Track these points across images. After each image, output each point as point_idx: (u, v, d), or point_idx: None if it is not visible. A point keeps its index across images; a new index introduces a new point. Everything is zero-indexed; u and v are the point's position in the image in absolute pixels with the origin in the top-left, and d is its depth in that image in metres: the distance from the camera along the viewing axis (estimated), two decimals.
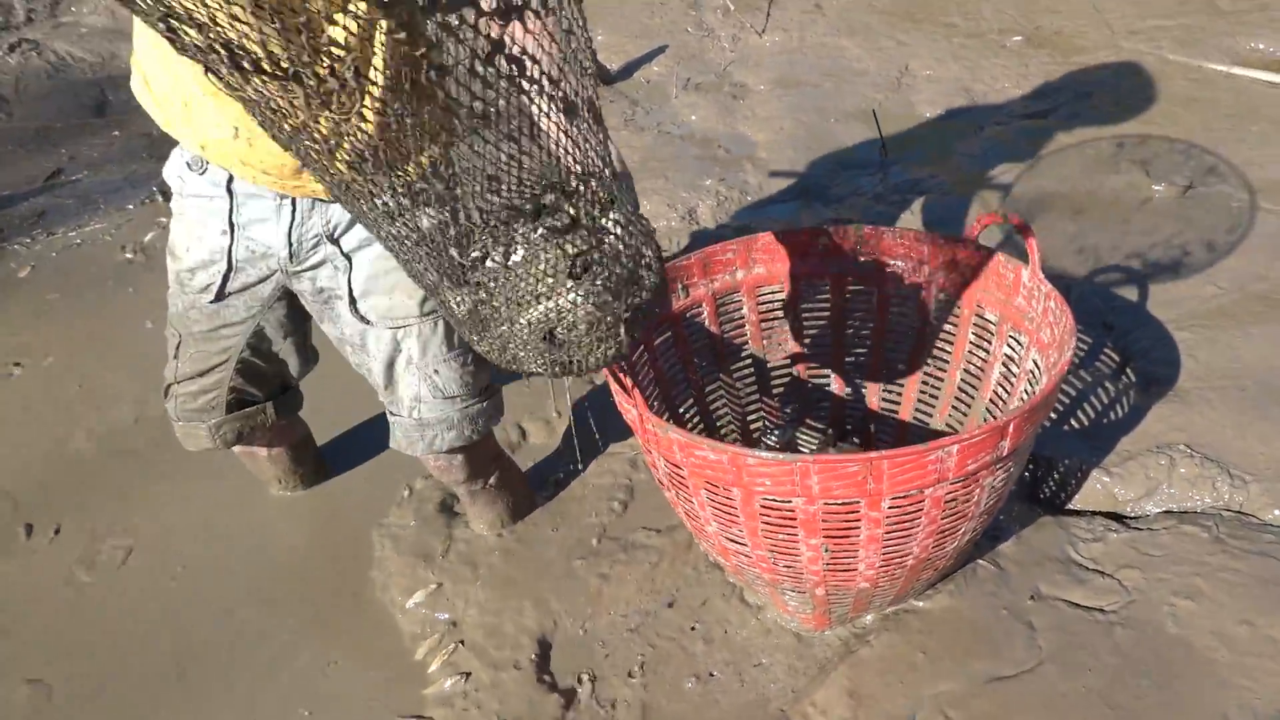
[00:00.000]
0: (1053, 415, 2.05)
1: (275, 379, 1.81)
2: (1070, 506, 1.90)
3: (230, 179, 1.48)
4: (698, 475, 1.42)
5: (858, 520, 1.37)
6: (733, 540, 1.50)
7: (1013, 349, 1.74)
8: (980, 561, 1.72)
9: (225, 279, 1.57)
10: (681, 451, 1.40)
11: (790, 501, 1.36)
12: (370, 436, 2.26)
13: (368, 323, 1.57)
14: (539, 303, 1.06)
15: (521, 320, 1.07)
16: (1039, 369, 1.64)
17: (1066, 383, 2.11)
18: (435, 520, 2.01)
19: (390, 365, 1.62)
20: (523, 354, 1.10)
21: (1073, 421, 2.03)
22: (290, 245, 1.51)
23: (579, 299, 1.05)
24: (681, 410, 1.90)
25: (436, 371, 1.63)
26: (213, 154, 1.41)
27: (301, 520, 2.09)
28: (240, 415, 1.77)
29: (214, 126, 1.35)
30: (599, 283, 1.05)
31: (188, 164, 1.51)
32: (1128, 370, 2.14)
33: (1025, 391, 1.69)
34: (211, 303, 1.60)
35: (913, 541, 1.43)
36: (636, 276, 1.08)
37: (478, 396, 1.70)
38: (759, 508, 1.40)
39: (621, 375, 1.48)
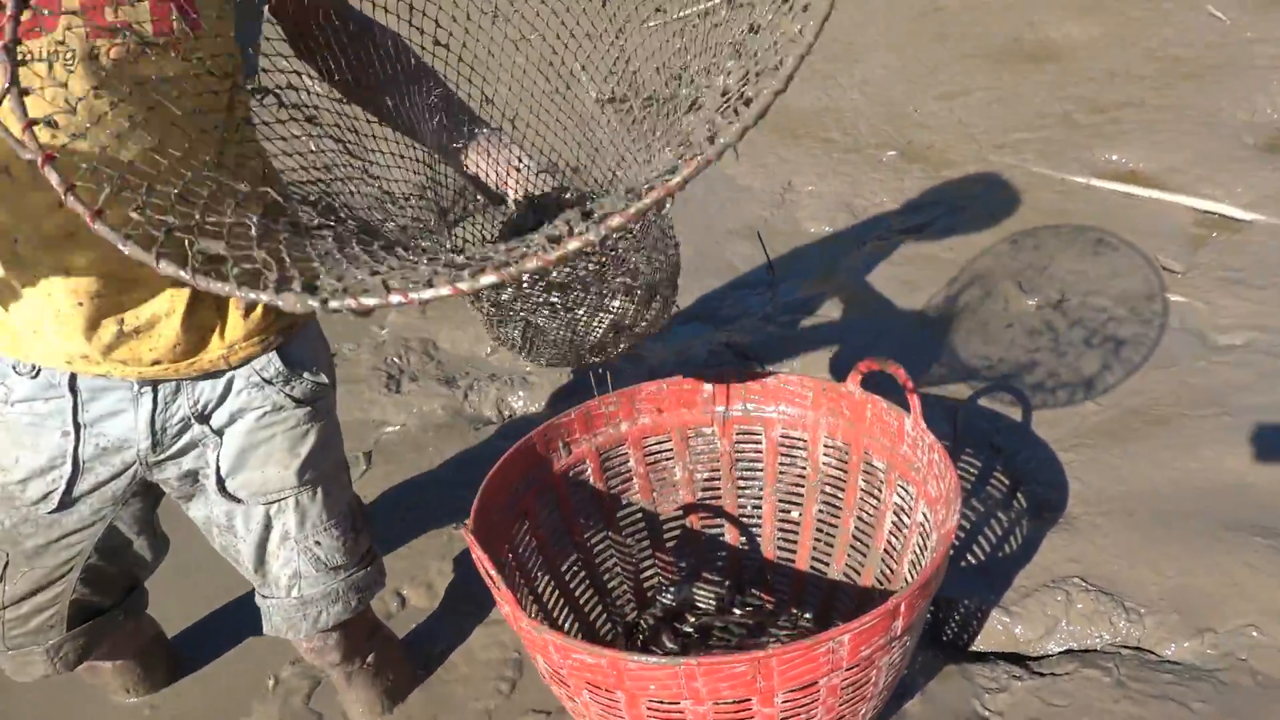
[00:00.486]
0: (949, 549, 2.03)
1: (124, 580, 1.65)
2: (973, 649, 1.86)
3: (73, 376, 1.36)
4: (578, 677, 1.33)
5: (751, 717, 1.30)
6: None
7: (902, 498, 1.71)
8: None
9: (70, 483, 1.42)
10: (558, 654, 1.31)
11: (679, 704, 1.28)
12: (229, 622, 2.10)
13: (238, 501, 1.46)
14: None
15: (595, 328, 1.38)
16: (929, 523, 1.61)
17: (964, 514, 2.10)
18: (304, 716, 1.85)
19: (262, 544, 1.50)
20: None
21: (968, 555, 2.01)
22: (154, 434, 1.38)
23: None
24: (567, 575, 1.81)
25: (318, 543, 1.52)
26: (80, 365, 1.30)
27: None
28: (85, 630, 1.60)
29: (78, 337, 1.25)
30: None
31: (13, 368, 1.38)
32: (1018, 496, 2.14)
33: (917, 545, 1.66)
34: (52, 512, 1.44)
35: None
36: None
37: (360, 563, 1.60)
38: (645, 711, 1.31)
39: (489, 565, 1.38)
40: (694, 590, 1.94)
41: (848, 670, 1.29)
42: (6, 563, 1.48)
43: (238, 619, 2.10)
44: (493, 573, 1.39)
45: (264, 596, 1.56)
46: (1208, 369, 2.42)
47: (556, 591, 1.78)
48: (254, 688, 1.93)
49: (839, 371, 2.65)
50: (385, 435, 2.74)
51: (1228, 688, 1.64)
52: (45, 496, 1.42)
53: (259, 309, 1.37)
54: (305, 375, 1.44)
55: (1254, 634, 1.71)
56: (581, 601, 1.84)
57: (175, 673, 1.98)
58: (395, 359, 3.06)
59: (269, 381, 1.41)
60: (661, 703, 1.29)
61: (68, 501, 1.43)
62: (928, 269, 3.09)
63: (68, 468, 1.39)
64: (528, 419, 2.75)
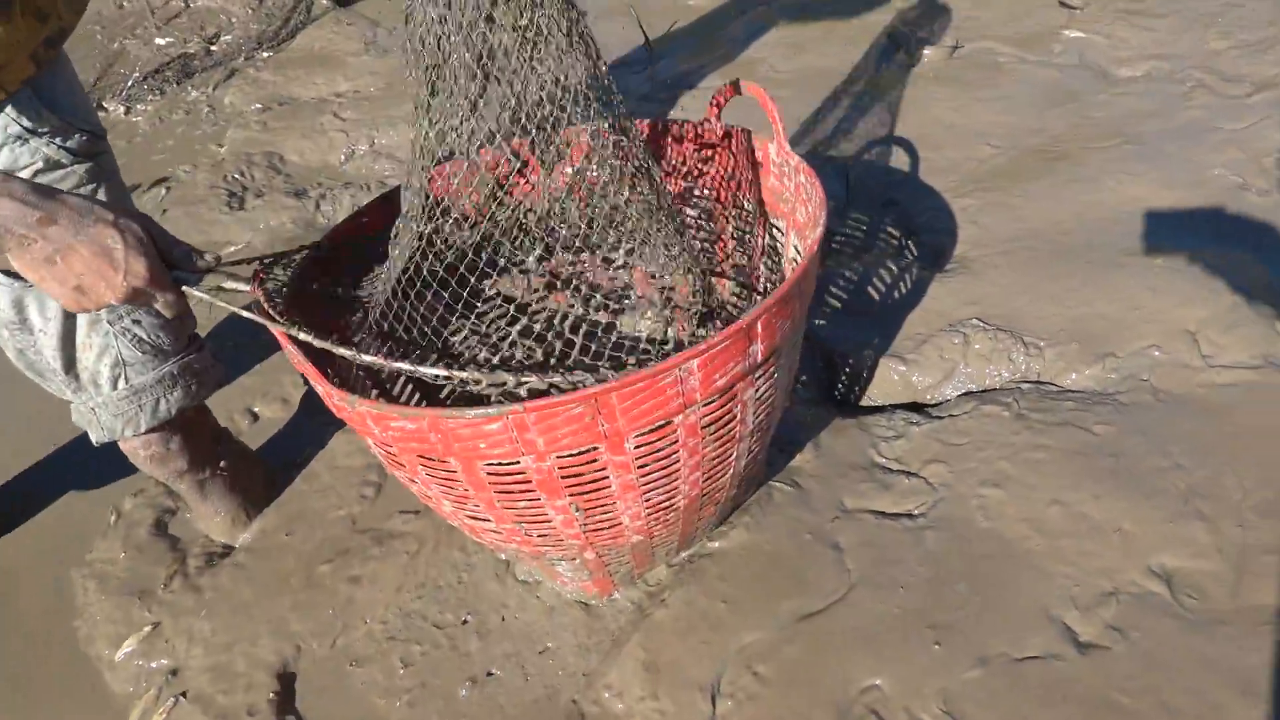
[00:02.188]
0: (838, 303, 1.88)
1: None
2: (869, 403, 1.74)
3: None
4: (406, 450, 1.14)
5: (603, 469, 1.13)
6: (474, 517, 1.24)
7: (775, 237, 1.53)
8: (775, 483, 1.53)
9: None
10: (378, 426, 1.11)
11: (519, 462, 1.10)
12: (58, 464, 1.87)
13: (26, 281, 1.21)
14: None
15: None
16: (800, 253, 1.43)
17: (855, 268, 1.94)
18: (150, 546, 1.65)
19: (69, 335, 1.29)
20: None
21: (862, 310, 1.86)
22: None
23: None
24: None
25: (136, 321, 1.32)
26: None
27: None
28: None
29: None
30: None
31: None
32: (913, 245, 1.98)
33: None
34: None
35: (677, 480, 1.20)
36: None
37: (190, 345, 1.42)
38: (485, 476, 1.13)
39: (285, 332, 1.15)
40: None
41: (705, 406, 1.12)
42: None
43: (68, 460, 1.87)
44: (296, 338, 1.16)
45: (82, 402, 1.34)
46: (1108, 101, 2.25)
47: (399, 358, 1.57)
48: (95, 525, 1.71)
49: None
50: (228, 255, 2.44)
51: (1129, 408, 1.54)
52: None
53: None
54: (73, 122, 1.23)
55: (1155, 354, 1.61)
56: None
57: (4, 525, 1.76)
58: (237, 175, 2.72)
59: (34, 132, 1.19)
60: (500, 464, 1.11)
61: None
62: (815, 30, 2.83)
63: None
64: None
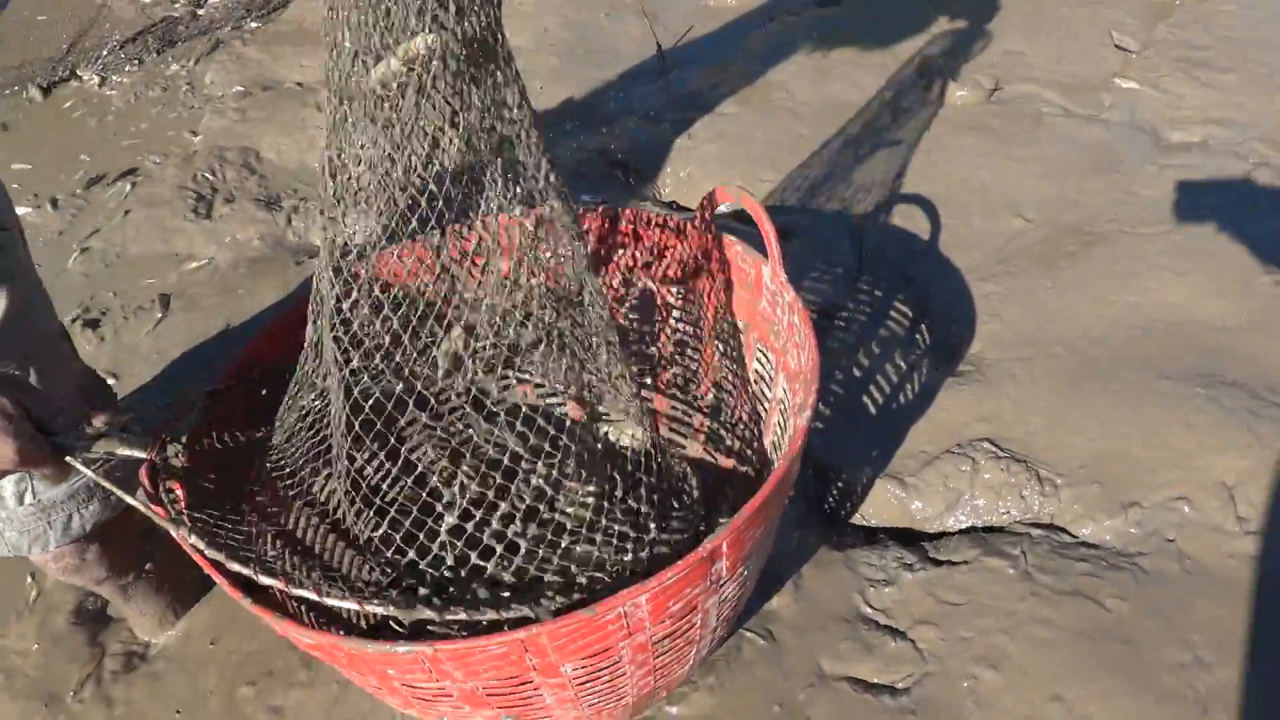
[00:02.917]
0: (836, 400, 1.70)
1: None
2: (861, 522, 1.58)
3: None
4: (318, 653, 0.99)
5: (535, 689, 0.98)
6: (398, 706, 1.09)
7: (762, 365, 1.35)
8: (750, 632, 1.38)
9: None
10: (281, 632, 0.96)
11: (440, 683, 0.95)
12: None
13: None
14: None
15: None
16: (787, 402, 1.26)
17: (861, 360, 1.76)
18: (68, 637, 1.52)
19: None
20: None
21: (861, 413, 1.69)
22: None
23: None
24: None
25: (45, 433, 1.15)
26: None
27: None
28: None
29: None
30: None
31: None
32: (928, 336, 1.80)
33: (779, 425, 1.31)
34: None
35: (625, 688, 1.05)
36: None
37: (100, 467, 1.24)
38: (401, 688, 0.98)
39: (195, 544, 0.98)
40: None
41: (657, 626, 0.96)
42: None
43: None
44: (184, 535, 0.99)
45: None
46: (1157, 175, 2.04)
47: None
48: (10, 602, 1.58)
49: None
50: (188, 273, 2.27)
51: (1149, 577, 1.37)
52: None
53: None
54: None
55: (1185, 509, 1.44)
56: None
57: None
58: (208, 175, 2.53)
59: None
60: (416, 684, 0.96)
61: None
62: (844, 51, 2.59)
63: None
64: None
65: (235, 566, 0.91)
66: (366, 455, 1.03)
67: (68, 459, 0.97)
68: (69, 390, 1.21)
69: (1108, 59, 2.39)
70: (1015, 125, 2.23)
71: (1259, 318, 1.69)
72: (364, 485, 1.03)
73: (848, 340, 1.80)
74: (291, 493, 1.11)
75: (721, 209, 1.45)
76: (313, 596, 0.90)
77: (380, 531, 1.00)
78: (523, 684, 0.96)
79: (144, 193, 2.51)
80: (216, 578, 0.95)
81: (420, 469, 1.06)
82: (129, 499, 0.99)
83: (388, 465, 1.03)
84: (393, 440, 1.01)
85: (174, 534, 0.95)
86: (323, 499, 1.13)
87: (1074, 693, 1.26)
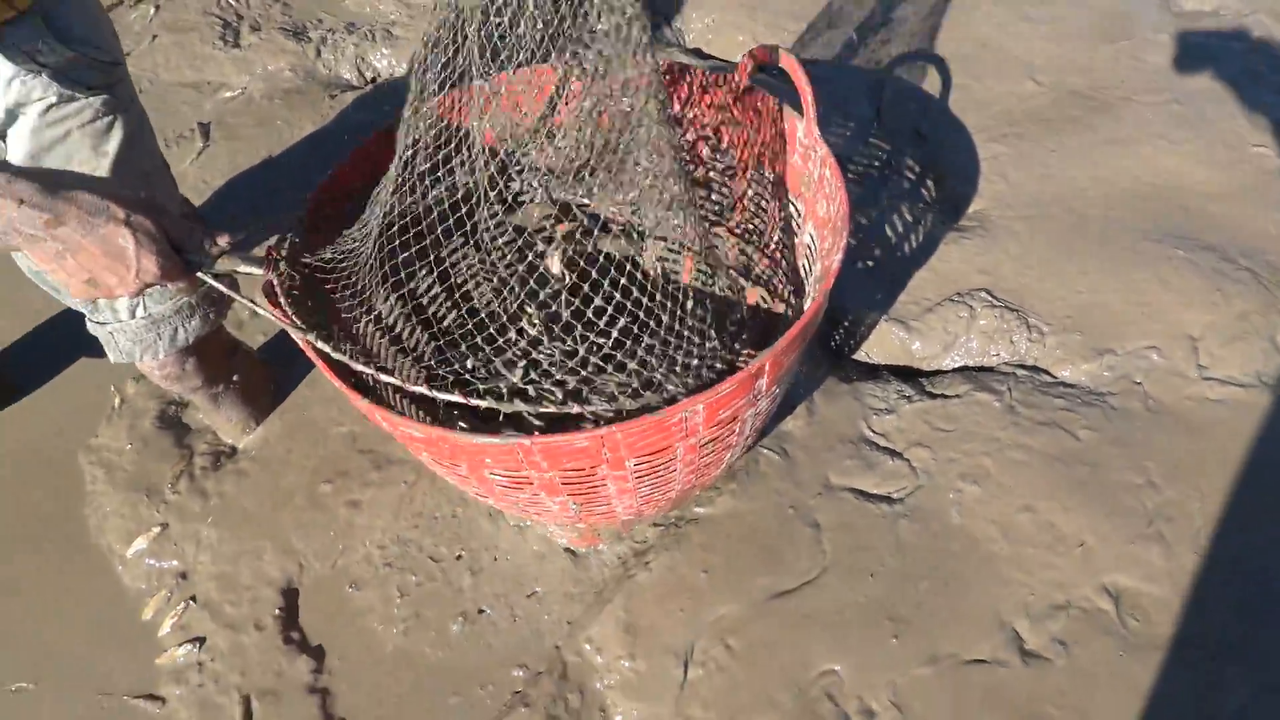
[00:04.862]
0: (852, 242, 1.86)
1: None
2: (864, 359, 1.76)
3: None
4: (415, 447, 1.17)
5: (602, 480, 1.17)
6: (475, 494, 1.29)
7: (792, 215, 1.49)
8: (766, 449, 1.58)
9: None
10: (388, 426, 1.13)
11: (522, 472, 1.14)
12: (53, 339, 1.89)
13: None
14: None
15: None
16: (814, 246, 1.41)
17: (870, 212, 1.90)
18: (155, 438, 1.71)
19: None
20: None
21: (876, 258, 1.84)
22: None
23: None
24: (425, 298, 1.60)
25: None
26: None
27: None
28: None
29: None
30: None
31: None
32: (936, 192, 1.93)
33: (803, 267, 1.47)
34: None
35: (672, 481, 1.25)
36: None
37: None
38: (488, 475, 1.17)
39: (301, 338, 1.14)
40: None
41: (707, 431, 1.15)
42: None
43: (65, 336, 1.88)
44: (310, 339, 1.15)
45: (100, 323, 1.34)
46: (1166, 43, 2.12)
47: (408, 320, 1.57)
48: (97, 407, 1.75)
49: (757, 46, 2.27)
50: (225, 102, 2.33)
51: (1117, 413, 1.58)
52: None
53: None
54: (88, 53, 1.17)
55: (1154, 356, 1.63)
56: (444, 325, 1.65)
57: (9, 395, 1.79)
58: (232, 2, 2.55)
59: (47, 67, 1.14)
60: (503, 472, 1.15)
61: None
62: None
63: None
64: (393, 84, 2.36)
65: (358, 367, 1.07)
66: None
67: (199, 274, 1.10)
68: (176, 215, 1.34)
69: None
70: None
71: (1243, 186, 1.84)
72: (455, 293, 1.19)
73: (860, 192, 1.93)
74: (380, 300, 1.24)
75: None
76: (423, 391, 1.06)
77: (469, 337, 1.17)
78: (593, 475, 1.15)
79: (169, 18, 2.53)
80: (334, 379, 1.12)
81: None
82: (260, 308, 1.12)
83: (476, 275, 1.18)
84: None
85: (300, 339, 1.10)
86: (399, 308, 1.28)
87: (1043, 505, 1.48)
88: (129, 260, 0.99)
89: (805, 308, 1.22)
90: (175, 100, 2.34)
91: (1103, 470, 1.51)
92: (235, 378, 1.61)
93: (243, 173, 2.16)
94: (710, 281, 1.36)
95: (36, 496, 1.67)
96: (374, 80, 2.41)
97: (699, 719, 1.34)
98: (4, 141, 1.20)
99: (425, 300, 1.37)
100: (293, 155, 2.19)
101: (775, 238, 1.54)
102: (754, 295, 1.62)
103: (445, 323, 1.37)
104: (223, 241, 1.11)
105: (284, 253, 1.22)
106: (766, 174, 1.51)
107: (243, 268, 1.15)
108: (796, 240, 1.49)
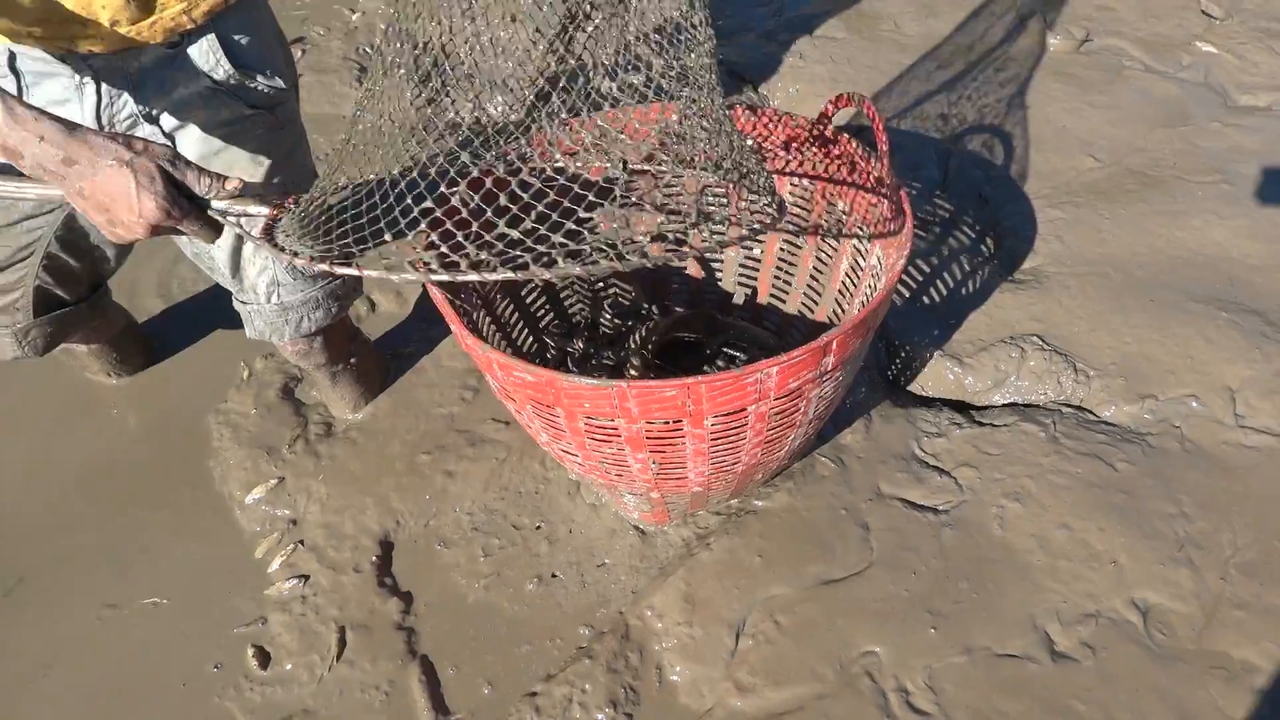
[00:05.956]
0: (908, 293, 2.02)
1: (87, 277, 1.63)
2: (920, 392, 1.91)
3: (12, 56, 1.24)
4: (521, 393, 1.35)
5: (681, 436, 1.34)
6: (565, 451, 1.46)
7: (859, 242, 1.67)
8: (822, 456, 1.73)
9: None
10: (501, 370, 1.32)
11: (613, 421, 1.31)
12: (196, 312, 2.12)
13: None
14: None
15: None
16: (880, 266, 1.58)
17: (932, 260, 2.07)
18: (277, 407, 1.91)
19: (236, 252, 1.47)
20: None
21: (934, 300, 2.00)
22: (101, 129, 1.27)
23: None
24: (525, 292, 1.80)
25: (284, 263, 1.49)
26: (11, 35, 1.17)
27: (133, 409, 1.97)
28: (50, 319, 1.60)
29: None
30: None
31: None
32: (995, 248, 2.10)
33: (869, 287, 1.64)
34: None
35: (740, 451, 1.41)
36: None
37: (331, 282, 1.59)
38: (583, 425, 1.34)
39: (436, 289, 1.36)
40: (649, 311, 1.94)
41: (776, 399, 1.31)
42: None
43: (212, 309, 2.12)
44: (438, 292, 1.37)
45: (243, 303, 1.55)
46: (1219, 131, 2.29)
47: (515, 313, 1.78)
48: (228, 377, 1.98)
49: None
50: (358, 134, 2.62)
51: (1155, 451, 1.69)
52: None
53: None
54: (259, 78, 1.33)
55: (1193, 404, 1.75)
56: (542, 324, 1.85)
57: (151, 358, 2.03)
58: (368, 49, 2.87)
59: (218, 85, 1.30)
60: (597, 419, 1.32)
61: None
62: None
63: None
64: (504, 128, 2.62)
65: (408, 276, 1.21)
66: None
67: (209, 212, 1.13)
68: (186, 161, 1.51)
69: (1192, 22, 2.61)
70: (1098, 75, 2.48)
71: None
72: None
73: (923, 242, 2.11)
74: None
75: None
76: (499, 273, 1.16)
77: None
78: (675, 431, 1.32)
79: (314, 60, 2.85)
80: (455, 321, 1.31)
81: None
82: (260, 242, 1.12)
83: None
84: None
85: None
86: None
87: (1079, 524, 1.59)
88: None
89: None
90: (313, 129, 2.63)
91: (1138, 499, 1.62)
92: (353, 360, 1.82)
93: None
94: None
95: (169, 448, 1.88)
96: (484, 122, 2.68)
97: (747, 683, 1.46)
98: (166, 137, 1.32)
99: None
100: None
101: (845, 261, 1.72)
102: (823, 313, 1.79)
103: None
104: (230, 185, 1.14)
105: (296, 201, 1.33)
106: (839, 206, 1.70)
107: (251, 209, 1.16)
108: (864, 263, 1.66)
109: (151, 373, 2.02)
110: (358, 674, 1.52)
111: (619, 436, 1.35)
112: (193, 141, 1.33)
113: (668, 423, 1.31)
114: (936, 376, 1.90)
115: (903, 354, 1.94)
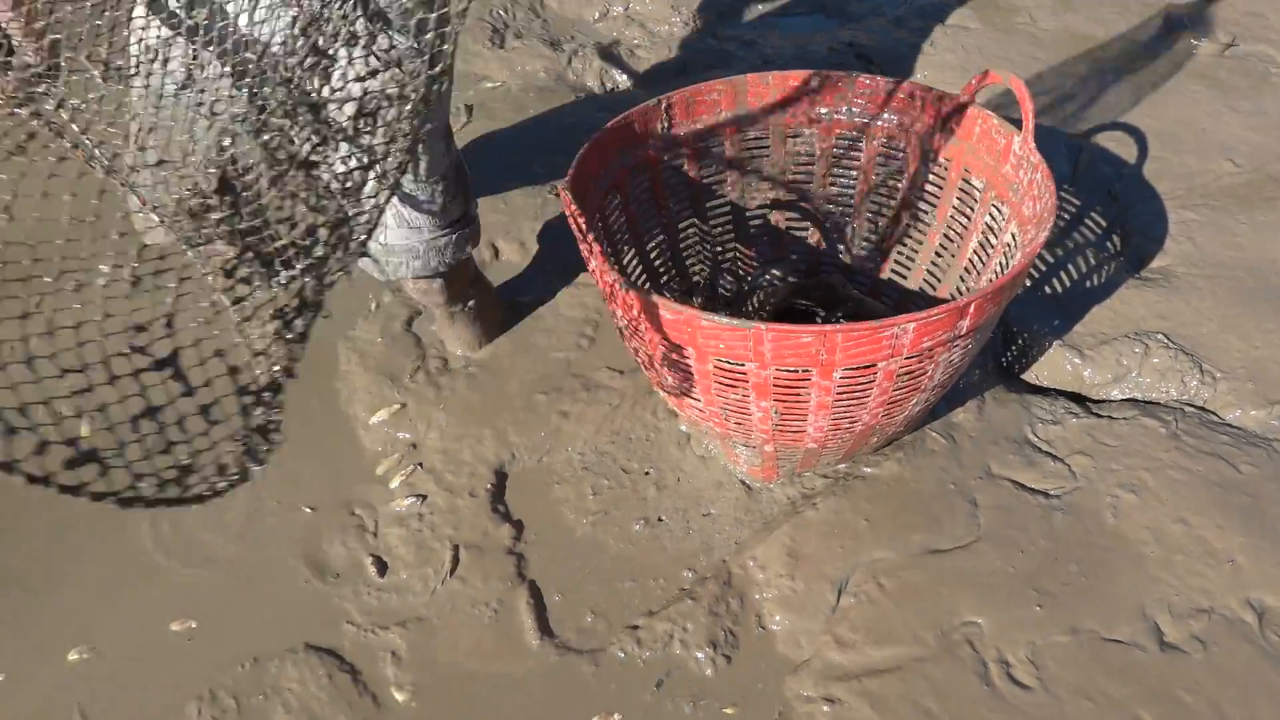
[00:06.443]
0: (1029, 282, 2.00)
1: None
2: (1035, 381, 1.89)
3: None
4: (654, 332, 1.39)
5: (808, 387, 1.36)
6: (687, 395, 1.50)
7: (994, 218, 1.67)
8: (933, 431, 1.73)
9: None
10: (640, 307, 1.37)
11: (743, 365, 1.34)
12: None
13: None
14: None
15: None
16: (1015, 243, 1.58)
17: (1056, 252, 2.05)
18: (402, 338, 2.00)
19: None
20: None
21: (1056, 292, 1.98)
22: None
23: None
24: (651, 253, 1.84)
25: (401, 203, 1.57)
26: None
27: None
28: None
29: None
30: None
31: None
32: (1122, 246, 2.07)
33: (999, 265, 1.64)
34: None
35: (863, 410, 1.42)
36: None
37: (448, 229, 1.66)
38: (712, 368, 1.38)
39: (581, 221, 1.42)
40: (770, 278, 1.96)
41: (907, 359, 1.32)
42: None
43: None
44: (584, 227, 1.43)
45: (379, 243, 1.64)
46: None
47: (640, 266, 1.83)
48: (358, 305, 2.07)
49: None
50: (486, 91, 2.70)
51: None
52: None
53: None
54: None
55: None
56: (663, 281, 1.89)
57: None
58: (501, 11, 2.95)
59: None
60: (728, 362, 1.35)
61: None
62: None
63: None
64: (630, 95, 2.67)
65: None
66: None
67: None
68: (440, 172, 1.59)
69: None
70: (1242, 80, 2.41)
71: None
72: None
73: (1048, 236, 2.08)
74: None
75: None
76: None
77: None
78: (803, 380, 1.34)
79: None
80: (599, 257, 1.36)
81: None
82: None
83: None
84: None
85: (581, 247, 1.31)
86: None
87: (1197, 520, 1.57)
88: None
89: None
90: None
91: (1262, 502, 1.59)
92: (471, 303, 1.89)
93: (494, 145, 2.50)
94: None
95: (300, 369, 1.97)
96: (613, 90, 2.73)
97: (846, 638, 1.48)
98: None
99: None
100: (539, 137, 2.51)
101: (974, 239, 1.72)
102: (945, 290, 1.79)
103: None
104: None
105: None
106: (974, 182, 1.70)
107: None
108: (995, 240, 1.66)
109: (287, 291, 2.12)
110: (469, 590, 1.58)
111: (746, 382, 1.38)
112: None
113: (796, 371, 1.34)
114: (1053, 366, 1.88)
115: (1019, 341, 1.92)
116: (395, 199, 1.56)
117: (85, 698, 1.48)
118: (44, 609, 1.59)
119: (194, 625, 1.56)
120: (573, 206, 1.43)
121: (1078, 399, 1.84)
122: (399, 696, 1.47)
